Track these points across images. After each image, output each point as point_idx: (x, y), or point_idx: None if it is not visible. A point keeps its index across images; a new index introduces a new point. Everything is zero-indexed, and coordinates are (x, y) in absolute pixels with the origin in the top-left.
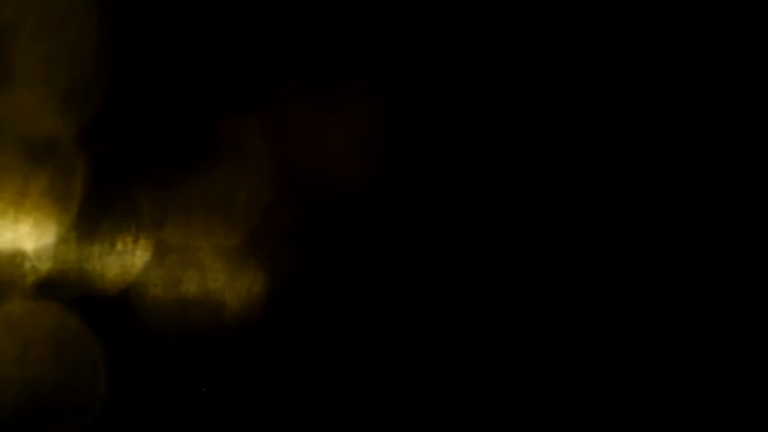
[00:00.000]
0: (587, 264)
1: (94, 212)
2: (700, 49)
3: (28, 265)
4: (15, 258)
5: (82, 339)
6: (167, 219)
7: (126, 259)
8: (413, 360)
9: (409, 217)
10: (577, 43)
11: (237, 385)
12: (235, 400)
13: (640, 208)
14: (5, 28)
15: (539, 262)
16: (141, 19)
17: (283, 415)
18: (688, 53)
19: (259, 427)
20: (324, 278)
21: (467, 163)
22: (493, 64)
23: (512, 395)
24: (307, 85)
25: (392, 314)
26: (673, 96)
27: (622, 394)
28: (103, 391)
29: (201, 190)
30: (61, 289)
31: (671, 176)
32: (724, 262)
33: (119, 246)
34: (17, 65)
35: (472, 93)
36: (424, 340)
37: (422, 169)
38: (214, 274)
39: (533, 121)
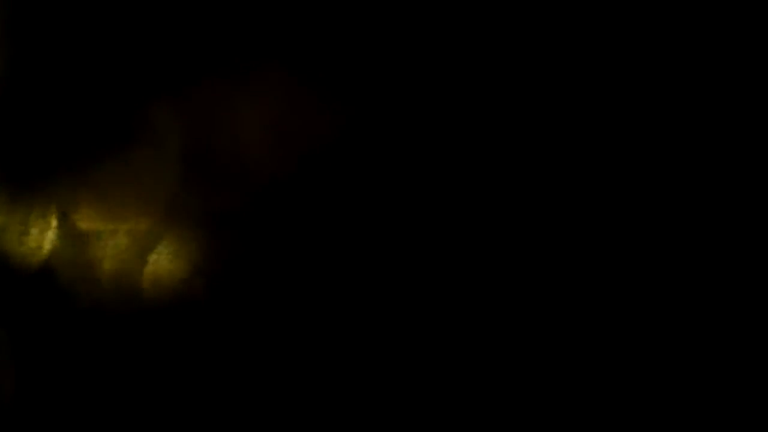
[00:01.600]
0: (571, 261)
1: (6, 197)
2: (700, 49)
3: None
4: None
5: None
6: (81, 203)
7: (39, 244)
8: (336, 345)
9: (325, 201)
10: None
11: (153, 369)
12: (152, 386)
13: (637, 208)
14: None
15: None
16: (52, 4)
17: (201, 400)
18: (688, 53)
19: (179, 413)
20: (241, 261)
21: (389, 150)
22: (413, 51)
23: (483, 390)
24: (222, 69)
25: (310, 298)
26: (673, 96)
27: (622, 393)
28: (12, 378)
29: (115, 175)
30: None
31: (671, 176)
32: (724, 262)
33: (33, 231)
34: None
35: (388, 79)
36: (346, 324)
37: (341, 154)
38: (129, 258)
39: (455, 107)
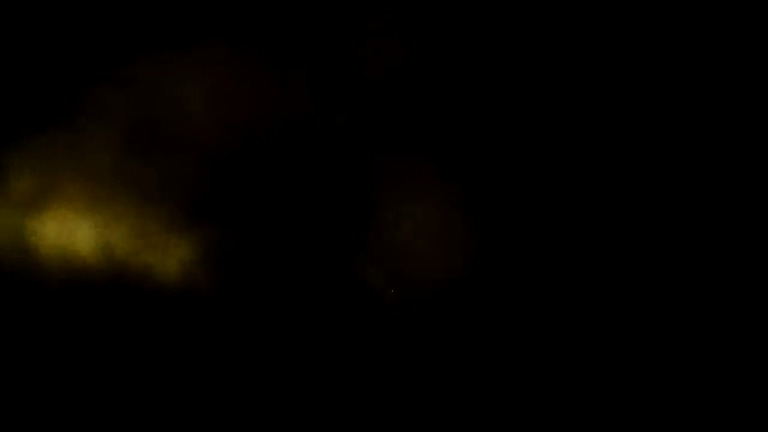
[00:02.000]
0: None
1: None
2: (700, 49)
3: None
4: None
5: None
6: (24, 173)
7: None
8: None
9: (267, 171)
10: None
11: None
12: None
13: (637, 208)
14: None
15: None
16: None
17: (218, 381)
18: (688, 53)
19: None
20: (187, 228)
21: (339, 123)
22: (362, 26)
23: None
24: (166, 42)
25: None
26: (673, 96)
27: (622, 393)
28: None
29: (60, 145)
30: None
31: (671, 176)
32: (724, 262)
33: None
34: None
35: (345, 53)
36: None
37: (282, 125)
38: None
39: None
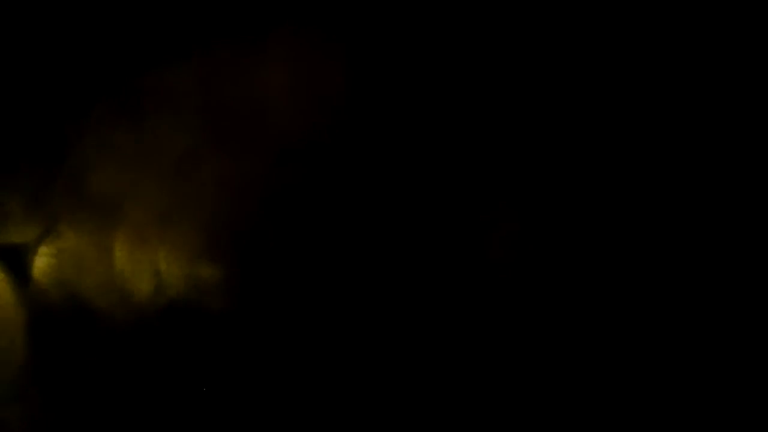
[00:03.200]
0: (580, 260)
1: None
2: (700, 49)
3: None
4: None
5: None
6: (97, 169)
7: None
8: (367, 343)
9: (348, 174)
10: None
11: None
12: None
13: (637, 208)
14: None
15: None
16: None
17: (238, 401)
18: (688, 53)
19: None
20: (266, 231)
21: (408, 118)
22: (429, 21)
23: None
24: (238, 33)
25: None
26: (673, 96)
27: (622, 393)
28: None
29: (128, 143)
30: None
31: (671, 176)
32: (724, 262)
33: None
34: None
35: (414, 49)
36: (377, 323)
37: (358, 117)
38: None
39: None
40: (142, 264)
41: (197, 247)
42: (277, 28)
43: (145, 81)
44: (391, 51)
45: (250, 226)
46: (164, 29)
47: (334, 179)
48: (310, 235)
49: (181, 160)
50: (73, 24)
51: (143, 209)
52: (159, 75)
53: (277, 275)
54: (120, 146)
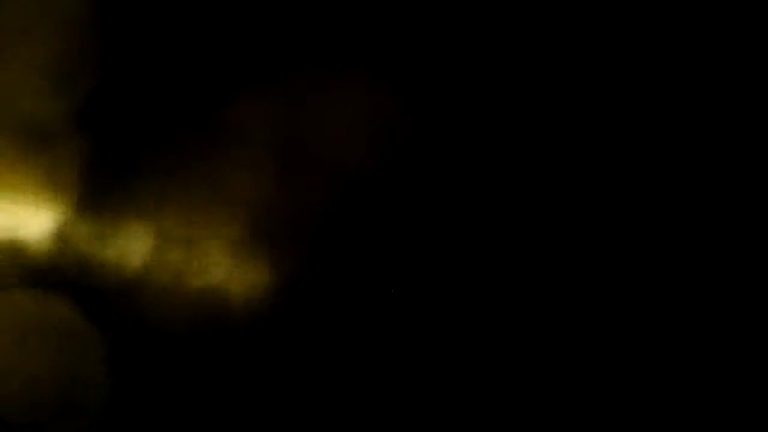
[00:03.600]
0: (586, 263)
1: (94, 199)
2: (700, 49)
3: (27, 253)
4: (14, 245)
5: (82, 329)
6: (169, 208)
7: (127, 248)
8: (417, 358)
9: (414, 207)
10: (578, 41)
11: (240, 379)
12: (239, 396)
13: (639, 208)
14: None
15: (544, 261)
16: (140, 4)
17: (287, 412)
18: (688, 53)
19: (264, 424)
20: (330, 270)
21: (472, 155)
22: (495, 58)
23: (513, 395)
24: (313, 68)
25: (396, 308)
26: (673, 96)
27: (622, 394)
28: (103, 382)
29: (204, 177)
30: (61, 278)
31: (671, 176)
32: (724, 262)
33: (121, 235)
34: (12, 53)
35: (476, 85)
36: (427, 338)
37: (427, 160)
38: (220, 264)
39: (534, 115)
40: (210, 293)
41: (266, 277)
42: (347, 66)
43: (220, 114)
44: (448, 91)
45: (317, 260)
46: (241, 64)
47: (397, 208)
48: (376, 270)
49: (252, 193)
50: (151, 57)
51: (215, 239)
52: (233, 108)
53: (344, 307)
54: (191, 178)
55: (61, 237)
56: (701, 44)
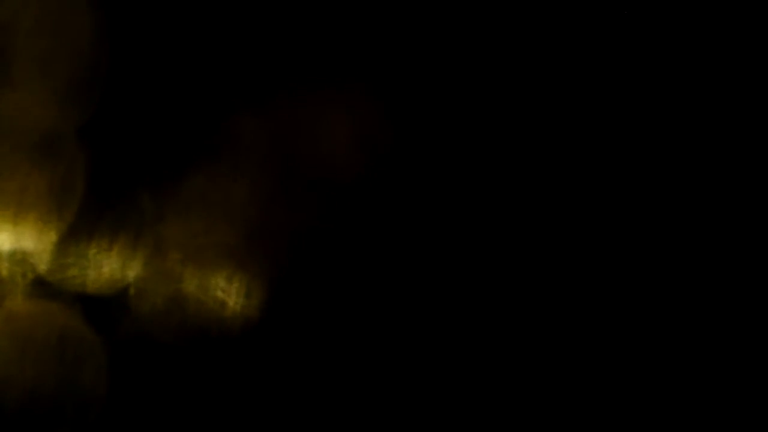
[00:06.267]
0: (585, 263)
1: (95, 210)
2: (700, 49)
3: (27, 263)
4: (14, 256)
5: (82, 338)
6: (167, 219)
7: (126, 257)
8: (414, 360)
9: (408, 215)
10: (575, 43)
11: (237, 385)
12: (236, 401)
13: (639, 208)
14: (3, 25)
15: (535, 262)
16: (140, 16)
17: (284, 415)
18: (688, 53)
19: (260, 427)
20: (325, 276)
21: (464, 163)
22: (489, 67)
23: (512, 395)
24: (306, 83)
25: (392, 313)
26: (673, 96)
27: (622, 394)
28: (103, 391)
29: (201, 188)
30: (61, 288)
31: (671, 176)
32: (724, 262)
33: (120, 244)
34: (15, 63)
35: (469, 94)
36: (424, 340)
37: (421, 169)
38: (215, 273)
39: (528, 119)
40: (212, 304)
41: (263, 288)
42: (348, 80)
43: (220, 127)
44: (432, 106)
45: (311, 268)
46: (243, 81)
47: (394, 219)
48: (366, 279)
49: (247, 205)
50: (153, 71)
51: (214, 250)
52: (232, 123)
53: (335, 315)
54: (192, 191)
55: (62, 246)
56: (701, 44)
